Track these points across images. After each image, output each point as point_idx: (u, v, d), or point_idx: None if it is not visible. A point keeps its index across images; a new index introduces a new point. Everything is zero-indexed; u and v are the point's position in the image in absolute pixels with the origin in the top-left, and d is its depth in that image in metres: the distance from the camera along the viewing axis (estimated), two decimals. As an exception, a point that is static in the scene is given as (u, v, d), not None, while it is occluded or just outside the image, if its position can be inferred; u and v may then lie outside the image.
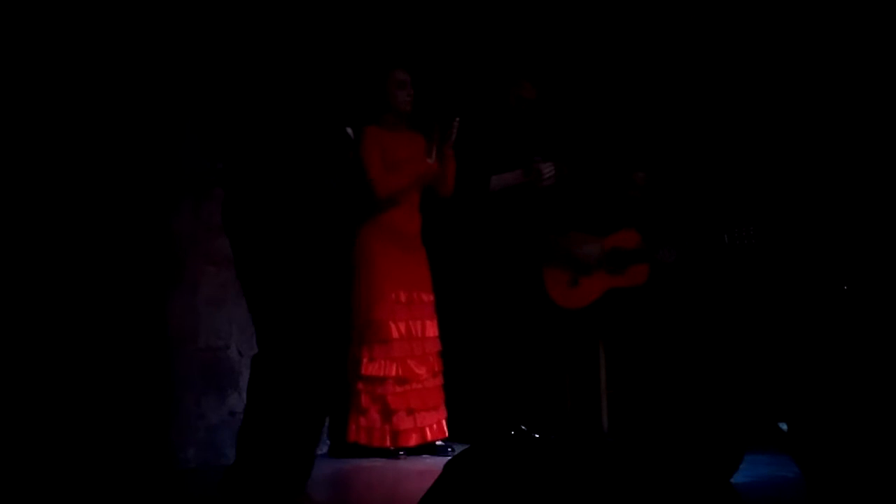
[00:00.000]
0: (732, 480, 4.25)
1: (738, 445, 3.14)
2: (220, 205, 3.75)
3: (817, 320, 4.85)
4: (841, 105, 5.37)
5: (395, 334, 5.17)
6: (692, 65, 5.93)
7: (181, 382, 4.90)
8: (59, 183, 4.54)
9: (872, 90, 5.26)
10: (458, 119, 5.25)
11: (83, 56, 4.61)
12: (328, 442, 5.44)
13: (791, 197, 5.38)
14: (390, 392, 5.17)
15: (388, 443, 5.18)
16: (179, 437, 4.87)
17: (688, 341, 5.29)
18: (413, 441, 5.23)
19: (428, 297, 5.34)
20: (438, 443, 5.32)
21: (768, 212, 5.38)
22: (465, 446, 2.88)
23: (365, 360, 5.15)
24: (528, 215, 5.61)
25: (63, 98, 4.56)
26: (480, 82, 5.83)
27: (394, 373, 5.16)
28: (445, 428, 5.36)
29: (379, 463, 5.11)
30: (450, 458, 2.86)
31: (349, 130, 3.88)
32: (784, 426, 3.74)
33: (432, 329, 5.32)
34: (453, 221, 5.54)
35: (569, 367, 6.19)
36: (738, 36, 5.79)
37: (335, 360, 3.76)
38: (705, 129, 5.82)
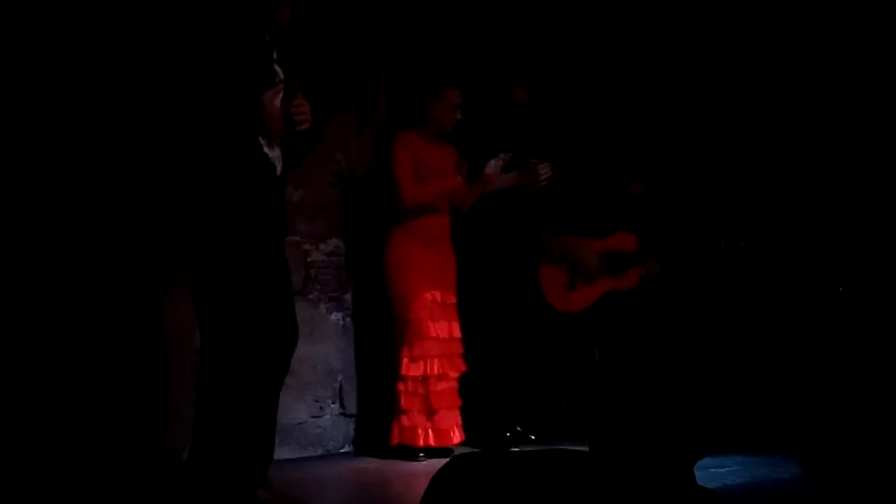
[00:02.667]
0: (728, 482, 4.27)
1: (708, 442, 3.14)
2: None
3: (814, 322, 4.85)
4: (835, 109, 5.38)
5: (433, 332, 5.22)
6: (688, 67, 5.93)
7: (176, 385, 4.88)
8: (55, 184, 4.52)
9: (865, 95, 5.27)
10: (510, 154, 5.33)
11: (79, 54, 4.59)
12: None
13: (786, 200, 5.38)
14: (433, 390, 5.21)
15: (431, 442, 5.22)
16: (174, 440, 4.85)
17: (682, 344, 5.29)
18: (456, 439, 5.29)
19: (453, 299, 5.38)
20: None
21: (764, 215, 5.38)
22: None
23: (406, 361, 5.19)
24: (523, 217, 5.61)
25: (59, 97, 4.54)
26: (474, 85, 5.84)
27: (436, 371, 5.21)
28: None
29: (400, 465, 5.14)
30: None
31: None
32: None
33: (457, 330, 5.35)
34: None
35: (565, 369, 6.20)
36: (733, 40, 5.79)
37: (283, 345, 3.77)
38: (702, 132, 5.82)
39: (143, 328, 4.79)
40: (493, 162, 5.36)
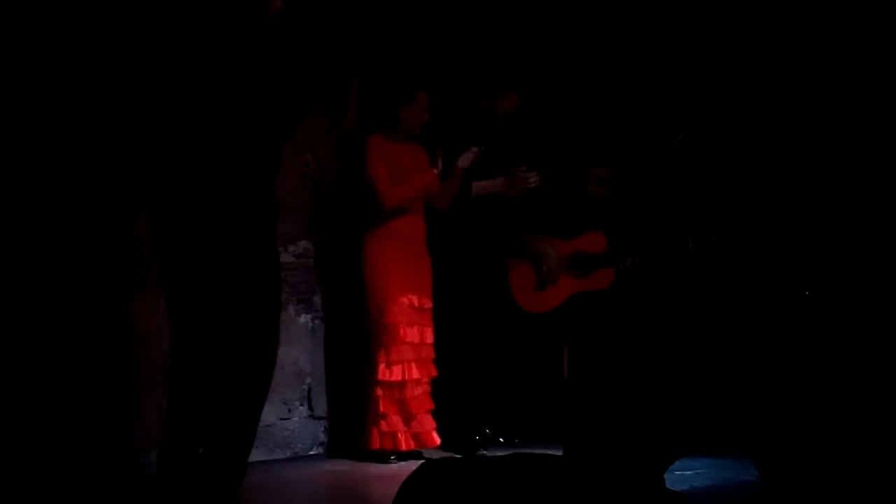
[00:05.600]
0: (695, 484, 4.29)
1: (677, 446, 3.17)
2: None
3: (779, 325, 4.89)
4: (803, 110, 5.42)
5: (408, 338, 5.22)
6: (658, 72, 5.96)
7: (144, 386, 4.86)
8: (19, 185, 4.48)
9: (834, 98, 5.31)
10: (482, 148, 5.35)
11: (38, 55, 4.56)
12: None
13: (754, 204, 5.42)
14: (409, 395, 5.21)
15: (413, 445, 5.23)
16: (141, 441, 4.83)
17: (649, 345, 5.31)
18: (435, 442, 5.30)
19: (429, 304, 5.39)
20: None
21: (732, 218, 5.42)
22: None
23: (382, 366, 5.19)
24: (495, 217, 5.62)
25: (21, 100, 4.50)
26: (446, 86, 5.86)
27: (414, 375, 5.21)
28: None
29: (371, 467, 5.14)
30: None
31: None
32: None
33: (429, 336, 5.36)
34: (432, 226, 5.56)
35: (534, 369, 6.21)
36: (702, 40, 5.83)
37: (261, 359, 3.72)
38: (672, 136, 5.85)
39: (111, 329, 4.76)
40: (465, 155, 5.38)
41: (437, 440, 5.33)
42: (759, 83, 5.58)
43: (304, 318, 5.55)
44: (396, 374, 5.18)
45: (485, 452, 5.39)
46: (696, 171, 5.74)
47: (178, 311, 3.69)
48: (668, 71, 5.91)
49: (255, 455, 5.08)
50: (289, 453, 5.43)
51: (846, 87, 5.26)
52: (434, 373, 5.36)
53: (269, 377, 3.77)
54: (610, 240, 5.64)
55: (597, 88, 6.14)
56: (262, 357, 3.70)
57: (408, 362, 5.21)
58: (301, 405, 5.54)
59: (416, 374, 5.22)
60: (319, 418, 5.63)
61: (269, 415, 5.33)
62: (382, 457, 5.20)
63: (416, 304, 5.31)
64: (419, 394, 5.25)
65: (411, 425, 5.23)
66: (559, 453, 3.98)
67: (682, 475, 4.38)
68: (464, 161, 5.39)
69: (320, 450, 5.60)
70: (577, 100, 6.17)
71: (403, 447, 5.21)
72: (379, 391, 5.19)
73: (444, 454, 5.23)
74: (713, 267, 5.43)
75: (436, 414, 5.39)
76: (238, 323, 3.62)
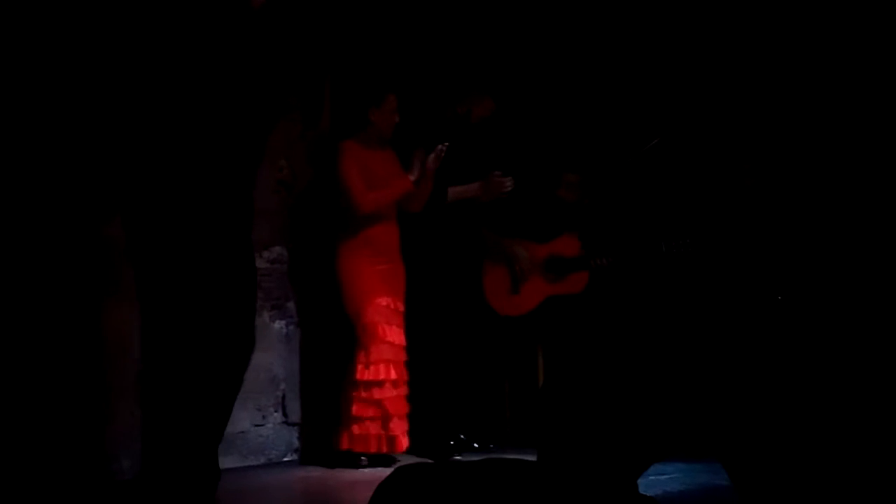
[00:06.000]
0: (668, 489, 4.31)
1: (651, 451, 3.18)
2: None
3: (751, 330, 4.91)
4: (777, 115, 5.45)
5: (388, 337, 5.23)
6: (633, 78, 5.98)
7: (117, 393, 4.83)
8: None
9: (807, 104, 5.34)
10: (446, 144, 5.33)
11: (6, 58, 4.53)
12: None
13: (728, 208, 5.44)
14: (387, 396, 5.20)
15: (384, 448, 5.21)
16: (114, 448, 4.80)
17: (623, 349, 5.33)
18: (405, 446, 5.29)
19: (402, 308, 5.39)
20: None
21: (705, 222, 5.44)
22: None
23: (361, 366, 5.19)
24: (469, 222, 5.63)
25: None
26: (437, 96, 5.87)
27: (392, 375, 5.21)
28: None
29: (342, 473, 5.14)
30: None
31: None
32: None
33: (403, 338, 5.36)
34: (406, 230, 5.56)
35: (508, 374, 6.22)
36: (675, 46, 5.85)
37: (236, 366, 3.70)
38: (645, 139, 5.87)
39: (83, 333, 4.73)
40: (430, 156, 5.38)
41: (406, 443, 5.32)
42: (733, 88, 5.61)
43: (278, 324, 5.54)
44: (375, 374, 5.18)
45: (459, 457, 5.38)
46: (669, 175, 5.76)
47: (151, 313, 3.65)
48: (642, 76, 5.94)
49: (229, 461, 5.07)
50: (263, 460, 5.41)
51: (819, 92, 5.29)
52: (406, 376, 5.35)
53: (240, 380, 3.75)
54: (584, 243, 5.66)
55: (570, 93, 6.15)
56: (235, 359, 3.68)
57: (386, 362, 5.21)
58: (275, 411, 5.53)
59: (393, 374, 5.22)
60: (294, 424, 5.61)
61: (244, 421, 5.31)
62: (353, 458, 5.18)
63: (392, 306, 5.32)
64: (395, 395, 5.24)
65: (385, 427, 5.22)
66: (533, 459, 3.99)
67: (656, 480, 4.39)
68: (432, 162, 5.38)
69: (294, 456, 5.59)
70: (550, 105, 6.18)
71: (374, 449, 5.19)
72: (353, 392, 5.18)
73: (418, 459, 5.22)
74: (686, 271, 5.46)
75: (410, 418, 5.38)
76: (212, 323, 3.59)
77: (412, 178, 5.35)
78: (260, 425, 5.44)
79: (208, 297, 3.56)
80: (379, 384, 5.19)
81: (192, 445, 3.57)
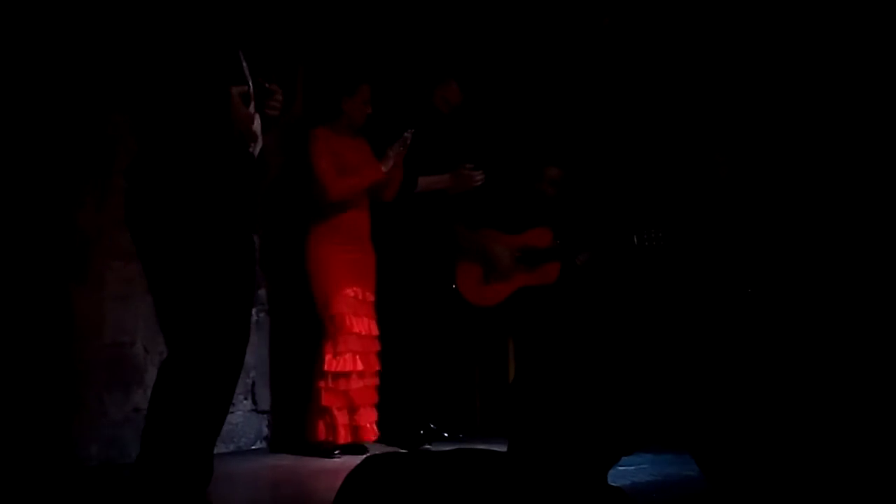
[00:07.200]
0: (637, 479, 4.33)
1: (621, 443, 3.19)
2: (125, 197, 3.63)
3: (721, 322, 4.94)
4: (749, 111, 5.47)
5: (355, 328, 5.21)
6: (606, 65, 5.99)
7: (84, 378, 4.80)
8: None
9: (779, 99, 5.37)
10: (412, 131, 5.31)
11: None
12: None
13: (700, 203, 5.47)
14: (354, 387, 5.19)
15: (350, 438, 5.20)
16: (81, 435, 4.77)
17: (594, 341, 5.35)
18: (374, 436, 5.29)
19: (371, 297, 5.38)
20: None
21: (677, 215, 5.46)
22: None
23: (328, 357, 5.16)
24: (440, 211, 5.63)
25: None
26: (406, 83, 5.86)
27: (359, 367, 5.20)
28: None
29: (314, 462, 5.13)
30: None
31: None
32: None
33: (375, 328, 5.35)
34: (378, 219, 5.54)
35: (478, 364, 6.23)
36: (647, 39, 5.86)
37: (240, 361, 3.69)
38: (618, 132, 5.89)
39: (51, 320, 4.69)
40: (398, 144, 5.34)
41: (376, 433, 5.32)
42: (708, 83, 5.63)
43: (248, 312, 5.51)
44: (342, 365, 5.16)
45: (429, 447, 5.39)
46: (642, 169, 5.78)
47: (165, 307, 3.58)
48: (621, 72, 5.95)
49: (198, 449, 5.06)
50: (232, 447, 5.39)
51: (790, 83, 5.32)
52: (378, 366, 5.35)
53: (238, 373, 3.74)
54: (558, 235, 5.66)
55: (543, 86, 6.15)
56: (233, 352, 3.66)
57: (353, 353, 5.20)
58: (245, 399, 5.51)
59: (360, 365, 5.21)
60: (263, 412, 5.60)
61: (213, 408, 5.28)
62: (325, 449, 5.18)
63: (361, 296, 5.30)
64: (364, 386, 5.24)
65: (353, 418, 5.21)
66: (503, 449, 3.99)
67: (625, 471, 4.41)
68: (398, 149, 5.35)
69: (263, 444, 5.58)
70: (528, 98, 6.19)
71: (343, 440, 5.19)
72: (322, 383, 5.17)
73: (388, 448, 5.22)
74: (658, 264, 5.48)
75: (380, 408, 5.38)
76: (216, 317, 3.56)
77: (384, 167, 5.34)
78: (229, 413, 5.40)
79: (214, 292, 3.53)
80: (346, 375, 5.18)
81: (191, 441, 3.55)
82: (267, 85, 3.71)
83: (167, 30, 3.52)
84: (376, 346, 5.34)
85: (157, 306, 3.58)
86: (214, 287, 3.53)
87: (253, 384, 5.54)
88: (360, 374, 5.22)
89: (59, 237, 4.74)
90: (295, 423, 5.42)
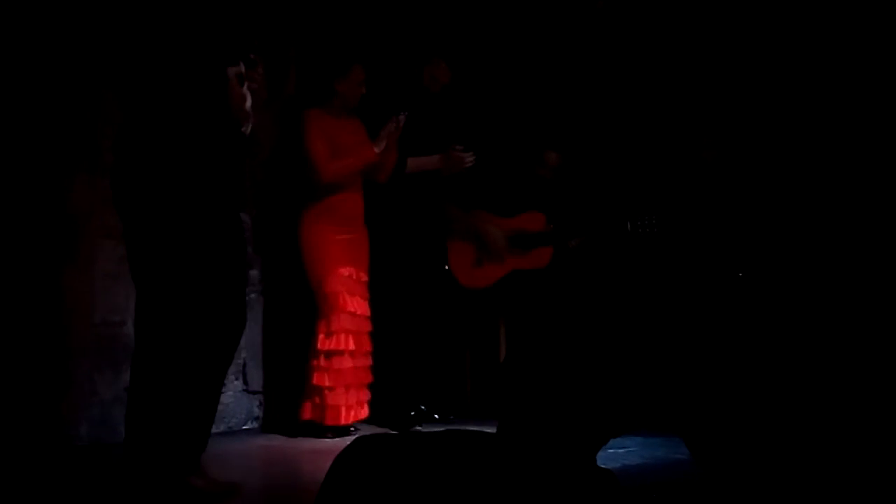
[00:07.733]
0: (627, 462, 4.34)
1: (611, 426, 3.20)
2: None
3: (712, 306, 4.95)
4: (742, 96, 5.47)
5: (349, 307, 5.21)
6: (601, 49, 5.98)
7: (75, 358, 4.79)
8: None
9: (769, 88, 5.37)
10: (405, 113, 5.30)
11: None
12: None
13: (692, 189, 5.47)
14: (346, 367, 5.19)
15: (342, 419, 5.19)
16: (71, 414, 4.77)
17: (585, 325, 5.35)
18: (365, 416, 5.30)
19: (365, 278, 5.38)
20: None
21: (670, 202, 5.46)
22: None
23: (322, 336, 5.17)
24: (433, 193, 5.62)
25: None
26: (395, 63, 5.84)
27: (351, 346, 5.20)
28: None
29: (306, 442, 5.12)
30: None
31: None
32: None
33: (367, 308, 5.35)
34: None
35: (469, 346, 6.23)
36: (643, 23, 5.85)
37: (234, 341, 3.69)
38: (613, 117, 5.88)
39: (41, 299, 4.68)
40: (391, 125, 5.34)
41: (366, 413, 5.32)
42: (701, 73, 5.62)
43: (240, 292, 5.50)
44: (335, 344, 5.16)
45: (419, 428, 5.40)
46: (636, 155, 5.78)
47: (145, 291, 3.58)
48: (615, 55, 5.93)
49: (188, 429, 5.06)
50: (223, 427, 5.39)
51: (780, 72, 5.32)
52: (370, 346, 5.35)
53: (234, 351, 3.74)
54: (551, 219, 5.66)
55: (546, 70, 6.14)
56: (230, 331, 3.65)
57: (346, 332, 5.20)
58: (236, 379, 5.51)
59: (352, 345, 5.21)
60: (254, 392, 5.60)
61: (203, 388, 5.28)
62: (316, 428, 5.18)
63: (355, 276, 5.30)
64: (356, 366, 5.24)
65: (346, 398, 5.22)
66: (493, 431, 4.00)
67: (615, 453, 4.42)
68: (391, 130, 5.35)
69: (255, 424, 5.58)
70: (527, 81, 6.17)
71: (335, 420, 5.18)
72: (315, 362, 5.17)
73: (379, 430, 5.23)
74: (650, 249, 5.48)
75: (371, 388, 5.38)
76: (206, 300, 3.55)
77: (377, 149, 5.32)
78: (221, 392, 5.40)
79: (202, 275, 3.53)
80: (339, 353, 5.18)
81: (182, 425, 3.55)
82: (252, 56, 3.69)
83: (160, 8, 3.51)
84: (368, 327, 5.34)
85: (138, 287, 3.56)
86: (201, 265, 3.52)
87: (244, 364, 5.54)
88: (352, 354, 5.22)
89: (50, 216, 4.73)
90: (286, 404, 5.43)
